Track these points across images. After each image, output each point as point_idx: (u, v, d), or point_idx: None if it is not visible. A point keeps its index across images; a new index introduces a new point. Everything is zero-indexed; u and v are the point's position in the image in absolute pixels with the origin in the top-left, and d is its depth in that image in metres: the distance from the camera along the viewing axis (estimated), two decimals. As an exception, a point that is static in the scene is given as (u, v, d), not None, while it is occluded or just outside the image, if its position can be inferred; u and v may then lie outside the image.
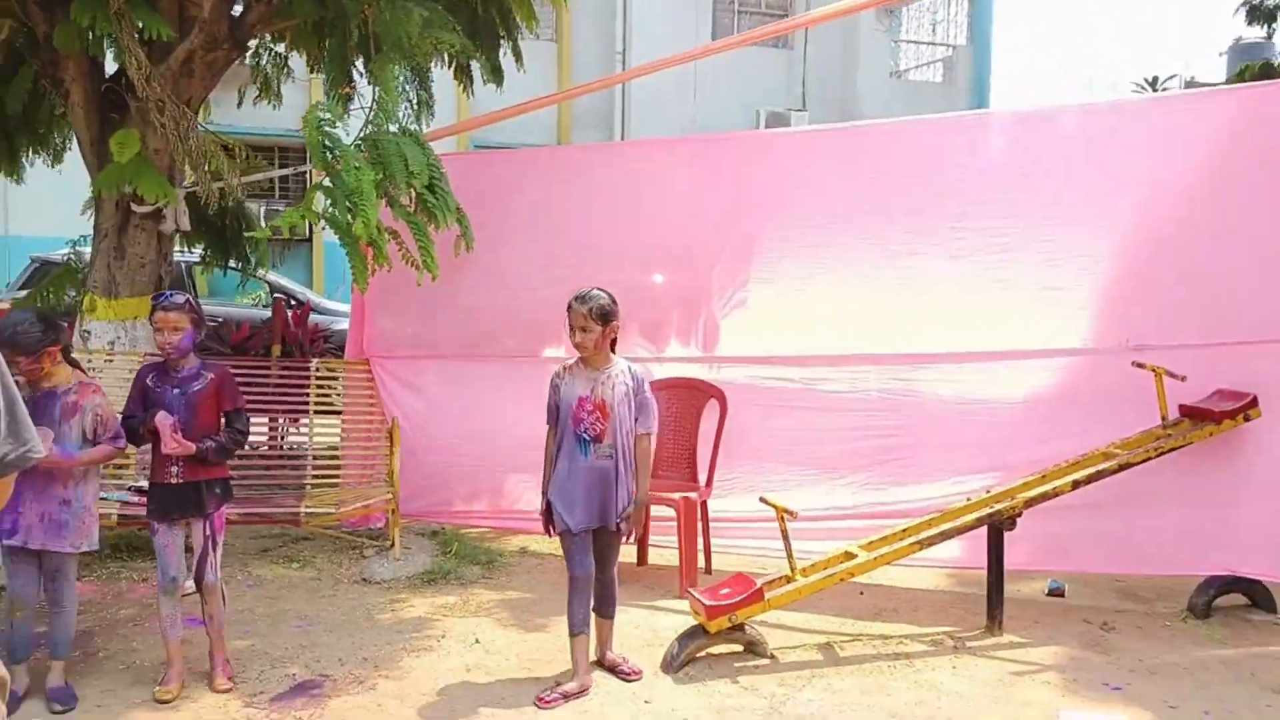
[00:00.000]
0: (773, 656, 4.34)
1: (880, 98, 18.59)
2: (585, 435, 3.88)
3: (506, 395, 5.93)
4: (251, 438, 4.72)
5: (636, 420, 3.96)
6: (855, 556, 4.55)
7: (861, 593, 5.16)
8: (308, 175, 13.56)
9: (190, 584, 4.15)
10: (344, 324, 9.92)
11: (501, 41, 6.83)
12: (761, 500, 4.54)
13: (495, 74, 6.77)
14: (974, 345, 5.32)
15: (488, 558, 5.64)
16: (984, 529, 4.66)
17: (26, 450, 1.80)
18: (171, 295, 3.85)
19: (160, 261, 6.20)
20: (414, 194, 5.28)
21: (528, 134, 14.91)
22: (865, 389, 5.54)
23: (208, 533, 3.89)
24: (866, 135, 6.18)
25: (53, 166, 7.66)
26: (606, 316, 3.88)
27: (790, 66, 18.90)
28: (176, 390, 3.82)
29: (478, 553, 5.70)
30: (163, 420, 3.70)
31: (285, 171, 7.87)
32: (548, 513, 3.96)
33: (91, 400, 3.82)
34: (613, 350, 4.01)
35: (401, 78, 5.74)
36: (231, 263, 7.79)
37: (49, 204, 10.20)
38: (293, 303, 10.14)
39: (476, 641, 4.50)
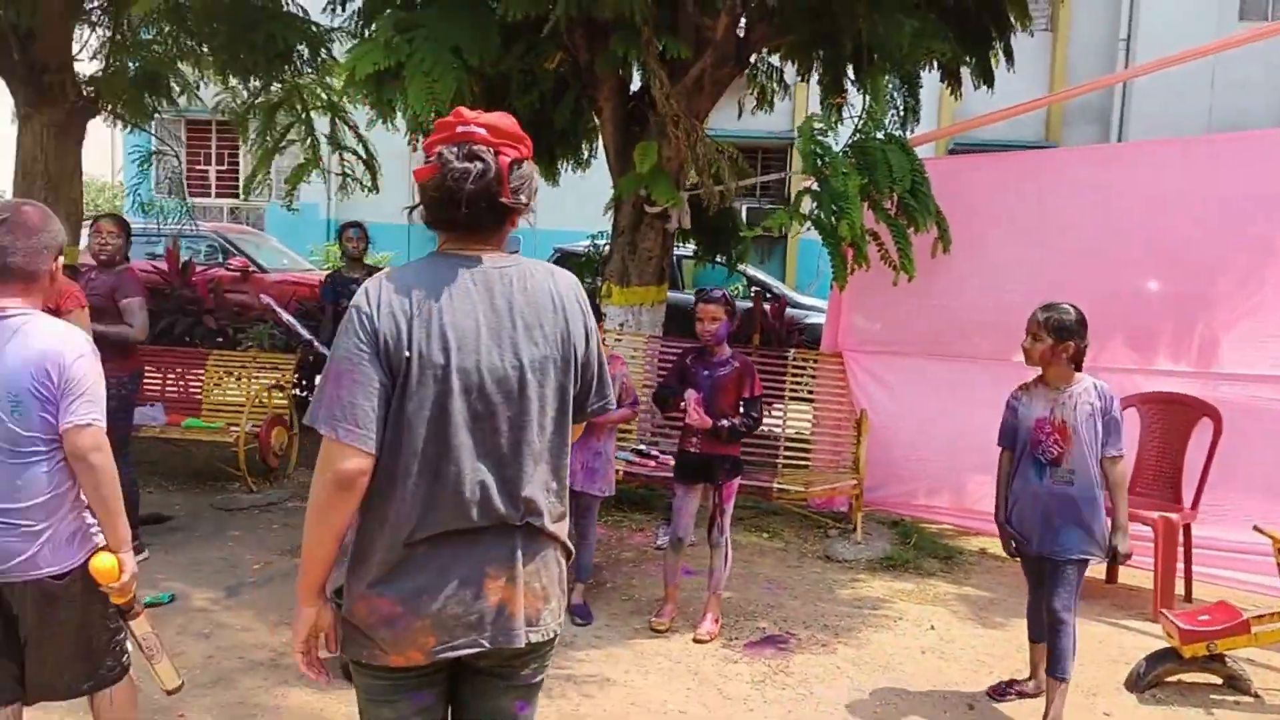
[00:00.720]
0: (1257, 695, 4.02)
1: None
2: (1043, 458, 3.66)
3: (975, 396, 5.95)
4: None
5: (1105, 444, 3.65)
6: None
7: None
8: (787, 178, 14.39)
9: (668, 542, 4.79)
10: (815, 318, 10.47)
11: (993, 41, 6.82)
12: (1255, 529, 4.20)
13: (985, 75, 6.78)
14: None
15: (946, 553, 5.76)
16: None
17: (605, 403, 2.28)
18: (713, 290, 4.45)
19: (664, 256, 7.07)
20: (896, 198, 5.54)
21: (1014, 132, 13.98)
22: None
23: (717, 501, 4.49)
24: None
25: (575, 171, 8.96)
26: (1062, 333, 3.62)
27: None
28: (707, 373, 4.43)
29: (937, 547, 5.84)
30: (690, 396, 4.34)
31: (775, 176, 8.48)
32: (1005, 533, 3.84)
33: (619, 370, 4.59)
34: (1078, 368, 3.72)
35: (891, 86, 6.02)
36: (718, 258, 8.57)
37: (569, 203, 11.86)
38: (769, 296, 10.89)
39: (932, 628, 4.68)
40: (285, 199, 8.42)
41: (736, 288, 12.99)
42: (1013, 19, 6.65)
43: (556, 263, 12.39)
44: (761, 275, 12.32)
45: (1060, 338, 3.63)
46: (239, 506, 6.17)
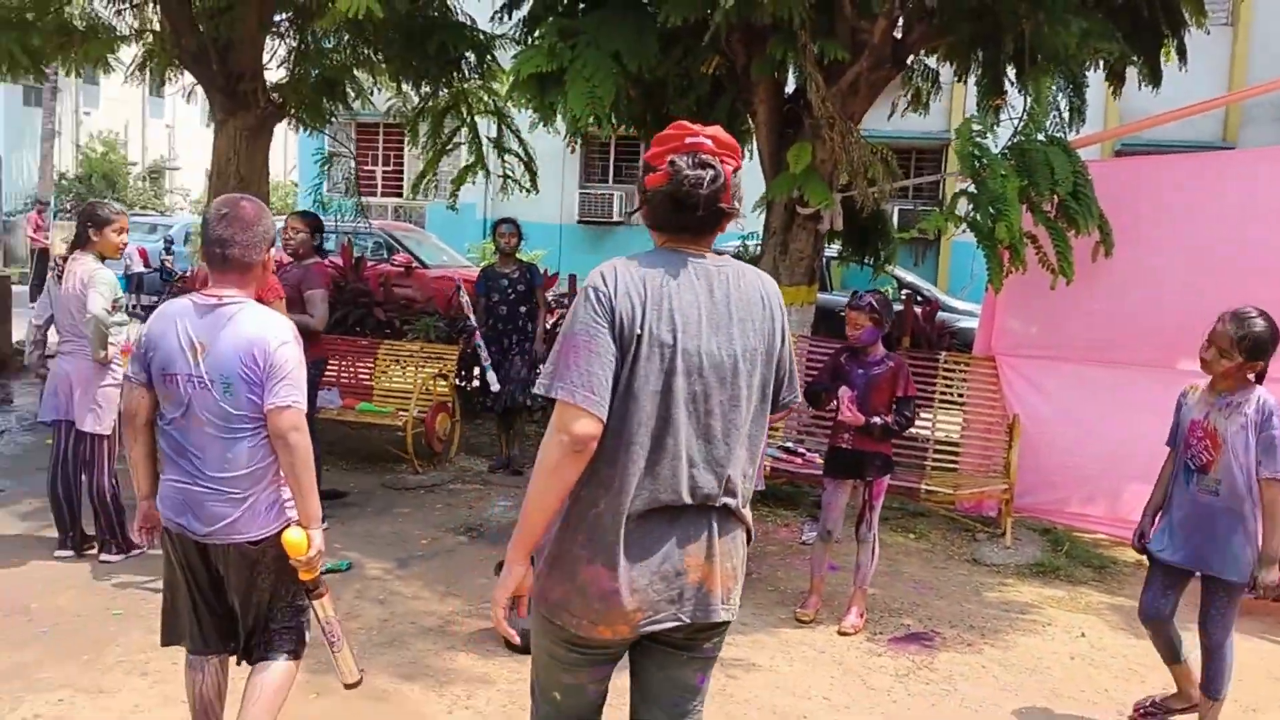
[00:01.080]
0: None
1: None
2: (1192, 464, 3.50)
3: (1135, 403, 5.81)
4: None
5: (1260, 463, 3.36)
6: None
7: None
8: (941, 180, 14.13)
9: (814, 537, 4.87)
10: (967, 322, 10.30)
11: (1165, 40, 6.60)
12: None
13: (1153, 75, 6.57)
14: None
15: (1100, 562, 5.64)
16: None
17: (794, 398, 2.37)
18: (862, 297, 4.53)
19: (814, 257, 7.13)
20: (1056, 200, 5.46)
21: (1187, 132, 13.21)
22: None
23: (866, 497, 4.57)
24: None
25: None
26: (1255, 352, 3.36)
27: None
28: (861, 371, 4.52)
29: (1090, 556, 5.73)
30: (844, 393, 4.43)
31: (930, 178, 8.41)
32: (1139, 528, 3.72)
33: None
34: (1258, 380, 3.46)
35: (1054, 87, 5.92)
36: (866, 259, 8.54)
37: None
38: (920, 299, 10.77)
39: (1082, 635, 4.63)
40: (450, 199, 8.86)
41: (886, 290, 12.89)
42: (1187, 16, 6.42)
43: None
44: (913, 278, 12.17)
45: (1252, 357, 3.38)
46: (406, 486, 6.58)
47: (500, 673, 3.96)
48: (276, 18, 8.66)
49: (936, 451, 6.32)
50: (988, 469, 6.24)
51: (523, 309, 6.91)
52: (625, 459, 2.11)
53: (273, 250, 2.88)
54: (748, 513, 2.26)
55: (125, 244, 5.06)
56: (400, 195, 18.20)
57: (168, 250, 15.89)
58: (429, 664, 4.02)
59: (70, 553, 4.98)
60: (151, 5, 8.68)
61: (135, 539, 3.82)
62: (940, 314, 9.65)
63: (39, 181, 24.73)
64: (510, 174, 8.79)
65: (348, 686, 3.06)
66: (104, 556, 4.95)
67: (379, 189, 17.73)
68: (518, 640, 2.70)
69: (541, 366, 2.32)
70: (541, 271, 7.41)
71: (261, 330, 2.73)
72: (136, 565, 4.88)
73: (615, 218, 17.42)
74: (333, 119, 9.68)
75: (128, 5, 8.97)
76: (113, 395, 4.87)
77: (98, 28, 8.84)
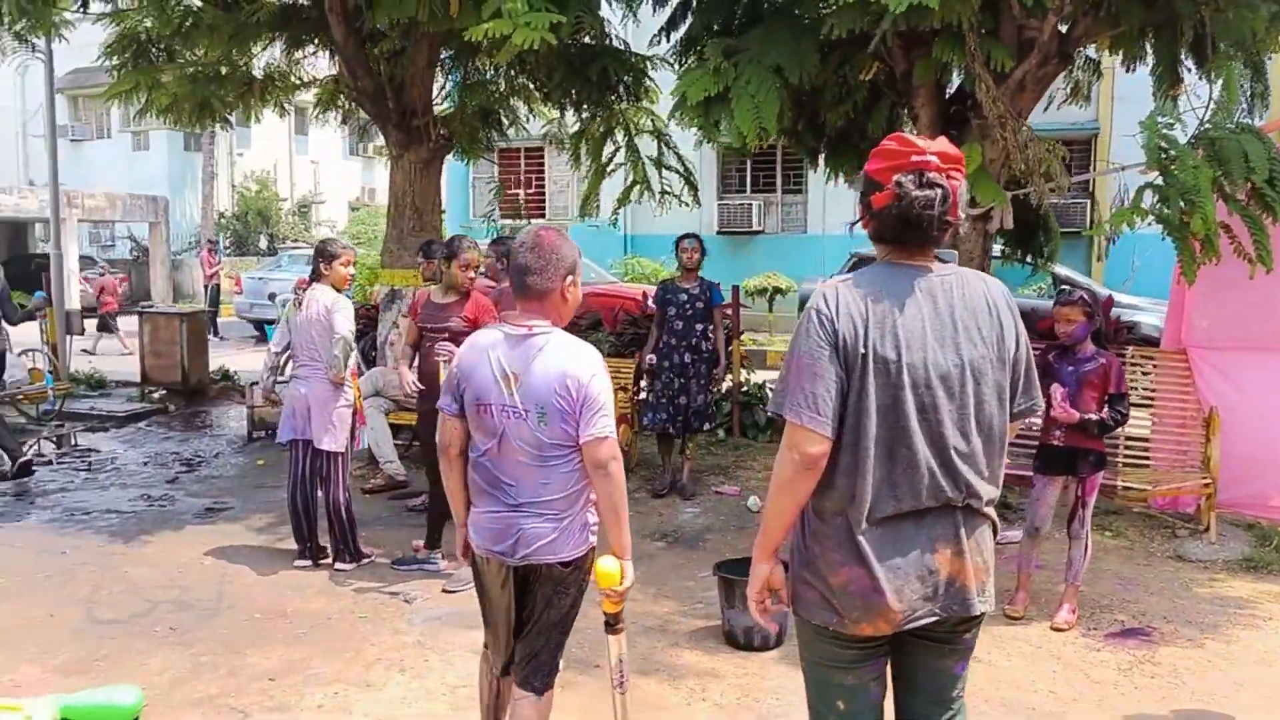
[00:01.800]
0: None
1: None
2: None
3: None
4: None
5: None
6: None
7: None
8: (1100, 174, 13.74)
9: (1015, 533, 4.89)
10: (1135, 315, 10.05)
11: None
12: None
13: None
14: None
15: (1313, 557, 5.50)
16: None
17: (1033, 404, 2.36)
18: (1072, 293, 4.60)
19: (984, 257, 7.12)
20: (1250, 188, 5.35)
21: None
22: None
23: (1079, 493, 4.60)
24: None
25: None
26: None
27: None
28: (1071, 368, 4.56)
29: (1301, 550, 5.58)
30: (1056, 390, 4.47)
31: (1110, 170, 8.25)
32: None
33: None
34: None
35: (1239, 74, 5.80)
36: (1026, 257, 8.43)
37: (857, 206, 12.00)
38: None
39: (1308, 629, 4.54)
40: (611, 217, 9.19)
41: (1041, 286, 12.64)
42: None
43: (853, 268, 12.68)
44: (1069, 273, 11.92)
45: None
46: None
47: (727, 668, 4.16)
48: (444, 54, 9.14)
49: (1127, 448, 6.23)
50: (1183, 464, 6.12)
51: (699, 327, 6.85)
52: (862, 470, 2.20)
53: (569, 279, 2.84)
54: (991, 510, 2.32)
55: (353, 275, 5.49)
56: (543, 216, 18.75)
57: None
58: (658, 660, 4.24)
59: (308, 562, 5.41)
60: (329, 53, 9.28)
61: (448, 563, 4.05)
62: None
63: (201, 221, 26.44)
64: (669, 189, 9.05)
65: None
66: (339, 565, 5.36)
67: (522, 210, 18.31)
68: (776, 629, 2.76)
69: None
70: (722, 291, 7.26)
71: (574, 361, 2.77)
72: (368, 573, 5.28)
73: (754, 227, 17.55)
74: (489, 148, 10.15)
75: (305, 54, 9.62)
76: (346, 416, 5.29)
77: (274, 75, 9.51)
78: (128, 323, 14.21)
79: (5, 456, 7.33)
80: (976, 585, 2.29)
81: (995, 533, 2.37)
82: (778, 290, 15.86)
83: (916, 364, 2.21)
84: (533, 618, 2.93)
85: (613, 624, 2.93)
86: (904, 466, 2.22)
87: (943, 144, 2.30)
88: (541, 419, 2.76)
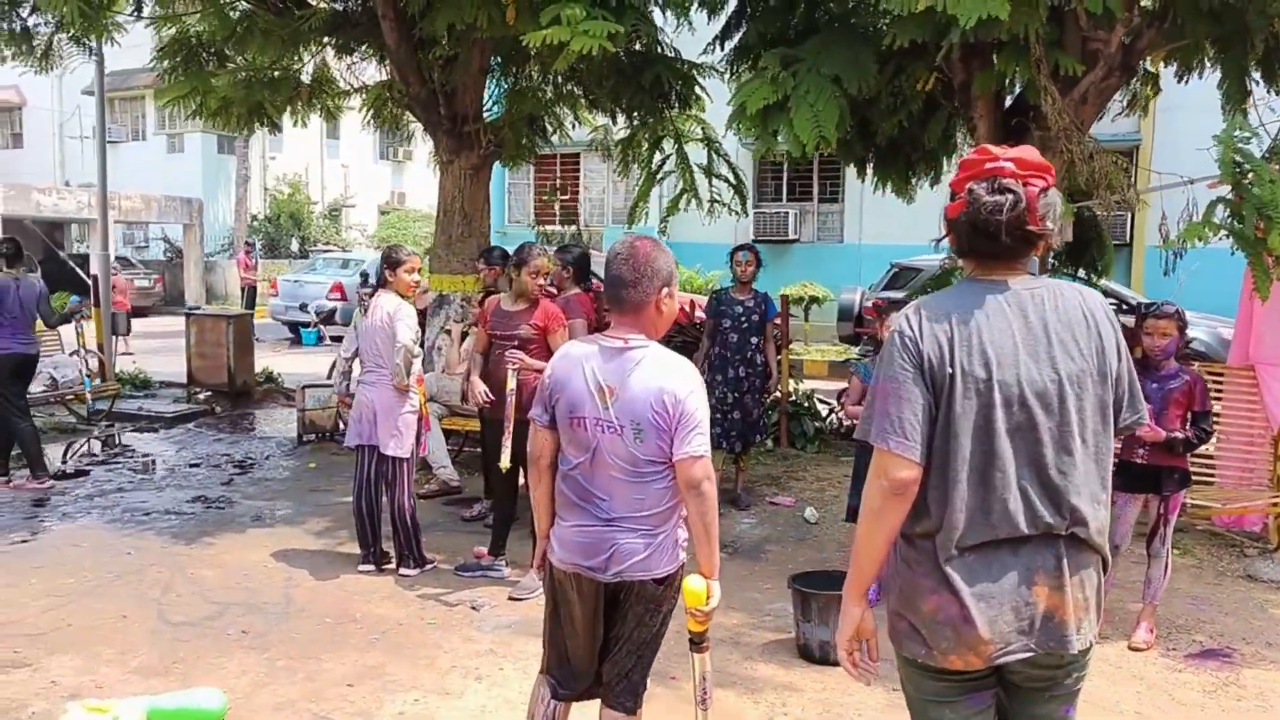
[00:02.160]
0: None
1: None
2: None
3: None
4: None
5: None
6: None
7: None
8: (1132, 186, 13.63)
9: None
10: (1192, 330, 9.92)
11: None
12: None
13: None
14: None
15: (1386, 578, 5.41)
16: None
17: (1138, 418, 2.25)
18: (1164, 305, 4.52)
19: (1040, 270, 7.07)
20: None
21: None
22: None
23: (1162, 511, 4.54)
24: None
25: (932, 188, 9.07)
26: None
27: None
28: (1155, 385, 4.47)
29: (1373, 571, 5.50)
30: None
31: (1174, 184, 8.19)
32: None
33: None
34: None
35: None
36: (1078, 270, 8.38)
37: (894, 216, 11.92)
38: (1125, 308, 10.46)
39: (1393, 653, 4.46)
40: (661, 224, 9.18)
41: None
42: None
43: (895, 276, 12.62)
44: (1116, 286, 11.83)
45: None
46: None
47: (805, 682, 4.13)
48: (493, 61, 9.17)
49: (1193, 465, 6.14)
50: (1249, 482, 6.05)
51: (753, 340, 6.77)
52: (953, 496, 2.12)
53: (664, 291, 2.78)
54: (1103, 539, 2.18)
55: (418, 282, 5.50)
56: (574, 223, 18.77)
57: (364, 283, 16.84)
58: (734, 672, 4.21)
59: (371, 567, 5.41)
60: (378, 59, 9.33)
61: (511, 570, 4.03)
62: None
63: (234, 223, 26.63)
64: (718, 198, 9.04)
65: None
66: (403, 570, 5.36)
67: (557, 217, 18.34)
68: (871, 683, 2.66)
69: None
70: (776, 304, 7.23)
71: (671, 377, 2.72)
72: (431, 579, 5.27)
73: (790, 235, 17.51)
74: (534, 154, 10.16)
75: (353, 60, 9.67)
76: (411, 421, 5.30)
77: (323, 80, 9.57)
78: (144, 324, 14.16)
79: (64, 453, 7.38)
80: (1075, 622, 2.14)
81: (1105, 569, 2.23)
82: (814, 299, 15.82)
83: (1009, 381, 2.11)
84: (623, 636, 2.88)
85: (698, 642, 2.88)
86: (998, 491, 2.12)
87: (1022, 151, 2.20)
88: (638, 435, 2.71)
